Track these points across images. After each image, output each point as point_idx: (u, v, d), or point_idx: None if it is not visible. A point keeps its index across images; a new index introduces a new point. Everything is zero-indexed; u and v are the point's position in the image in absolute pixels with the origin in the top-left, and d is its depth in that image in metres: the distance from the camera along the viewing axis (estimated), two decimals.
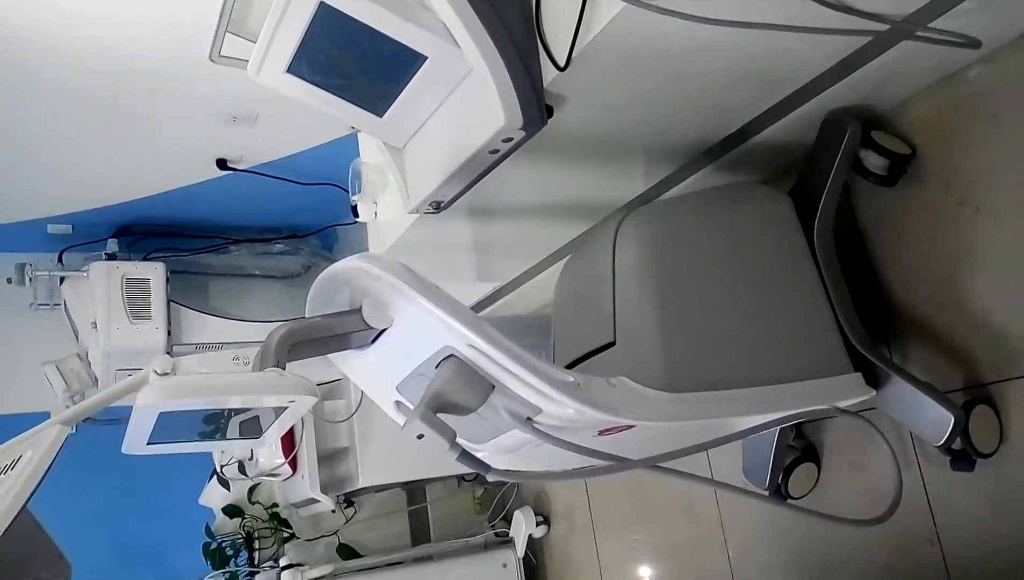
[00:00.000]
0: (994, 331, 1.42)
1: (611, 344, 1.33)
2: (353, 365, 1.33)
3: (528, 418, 1.20)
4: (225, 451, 2.63)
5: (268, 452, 2.61)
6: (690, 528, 2.18)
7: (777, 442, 1.66)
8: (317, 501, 2.64)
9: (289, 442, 2.62)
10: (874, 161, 1.54)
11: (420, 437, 1.11)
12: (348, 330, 1.18)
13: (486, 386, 1.16)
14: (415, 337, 1.19)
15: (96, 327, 2.89)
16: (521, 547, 2.74)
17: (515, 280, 2.30)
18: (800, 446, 1.78)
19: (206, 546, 3.02)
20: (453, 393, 1.15)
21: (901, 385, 1.40)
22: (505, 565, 2.73)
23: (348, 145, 2.75)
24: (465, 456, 1.14)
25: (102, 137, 2.62)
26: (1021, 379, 1.39)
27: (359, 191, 1.99)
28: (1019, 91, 1.38)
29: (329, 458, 2.70)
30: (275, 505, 3.00)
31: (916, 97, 1.54)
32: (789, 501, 1.58)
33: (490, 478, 1.15)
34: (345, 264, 1.12)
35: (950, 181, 1.48)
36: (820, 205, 1.49)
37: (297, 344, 1.13)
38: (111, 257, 3.01)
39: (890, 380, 1.42)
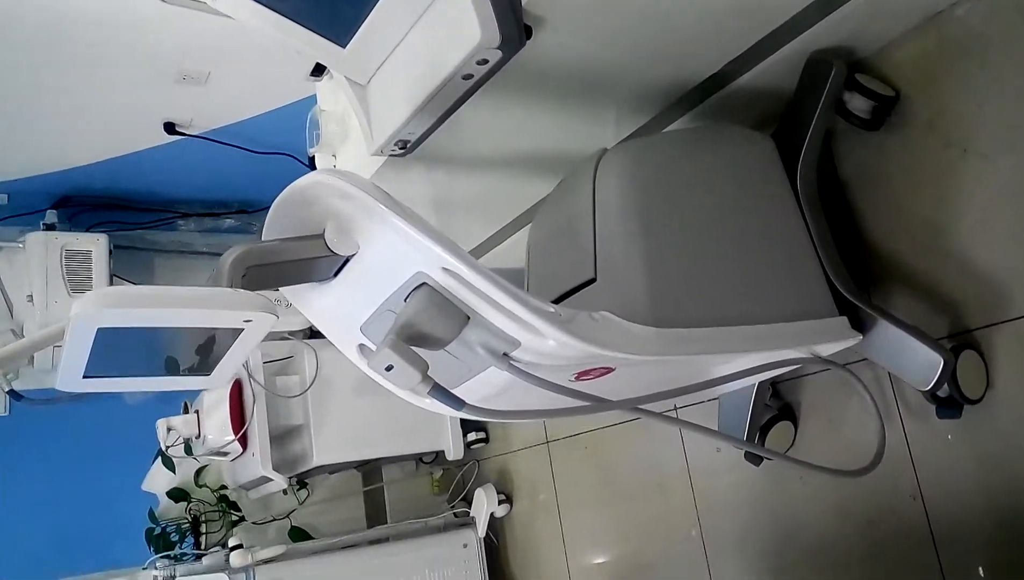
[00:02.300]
0: (980, 275, 1.38)
1: (592, 281, 1.26)
2: (312, 304, 1.24)
3: (504, 354, 1.11)
4: (171, 428, 2.49)
5: (217, 428, 2.48)
6: (660, 500, 2.12)
7: (755, 399, 1.60)
8: (268, 481, 2.52)
9: (239, 417, 2.49)
10: (858, 104, 1.49)
11: (389, 369, 1.01)
12: (309, 256, 1.09)
13: (461, 317, 1.07)
14: (383, 266, 1.10)
15: (32, 301, 2.74)
16: (482, 526, 2.65)
17: (484, 244, 2.21)
18: (776, 405, 1.73)
19: (149, 531, 2.86)
20: (425, 323, 1.06)
21: (888, 329, 1.36)
22: (466, 545, 2.63)
23: (304, 109, 2.64)
24: (437, 390, 1.05)
25: (37, 96, 2.46)
26: (1008, 323, 1.36)
27: (317, 142, 1.88)
28: (1009, 27, 1.35)
29: (281, 437, 2.58)
30: (223, 487, 2.86)
31: (901, 38, 1.50)
32: (771, 451, 1.52)
33: (463, 414, 1.07)
34: (310, 179, 1.03)
35: (936, 123, 1.44)
36: (804, 147, 1.44)
37: (252, 269, 1.03)
38: (50, 228, 2.85)
39: (876, 325, 1.37)
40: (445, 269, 1.03)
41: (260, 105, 2.68)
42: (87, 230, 2.97)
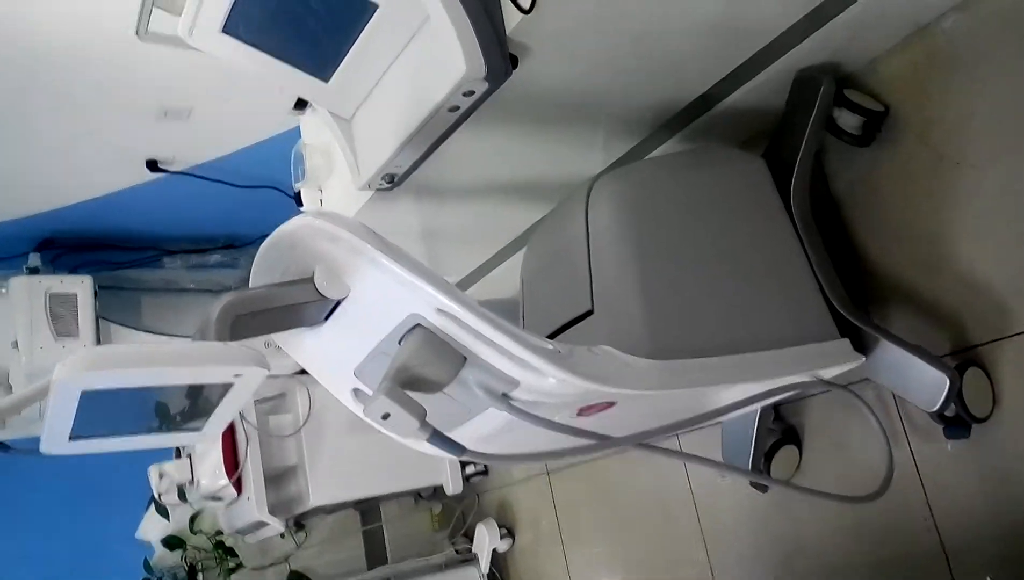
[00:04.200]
0: (981, 289, 1.36)
1: (589, 313, 1.23)
2: (304, 348, 1.20)
3: (504, 394, 1.08)
4: (164, 474, 2.44)
5: (210, 473, 2.43)
6: (665, 529, 2.08)
7: (758, 425, 1.57)
8: (265, 525, 2.47)
9: (232, 461, 2.44)
10: (848, 120, 1.47)
11: (385, 417, 0.98)
12: (299, 301, 1.05)
13: (457, 358, 1.04)
14: (375, 308, 1.07)
15: (17, 347, 2.68)
16: (485, 563, 2.60)
17: (474, 272, 2.19)
18: (780, 428, 1.70)
19: None
20: (421, 366, 1.02)
21: (890, 350, 1.33)
22: None
23: (289, 141, 2.61)
24: (437, 436, 1.01)
25: (17, 136, 2.42)
26: (1012, 338, 1.33)
27: (302, 177, 1.85)
28: (996, 37, 1.34)
29: (276, 478, 2.53)
30: (219, 533, 2.79)
31: (888, 53, 1.48)
32: (779, 480, 1.49)
33: (463, 459, 1.03)
34: (296, 223, 1.00)
35: (927, 137, 1.43)
36: (796, 166, 1.42)
37: (241, 317, 1.00)
38: (33, 271, 2.80)
39: (878, 345, 1.34)
40: (439, 310, 0.99)
41: (244, 139, 2.65)
42: (71, 271, 2.92)
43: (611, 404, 1.23)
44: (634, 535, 2.19)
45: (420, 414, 0.98)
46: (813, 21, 1.39)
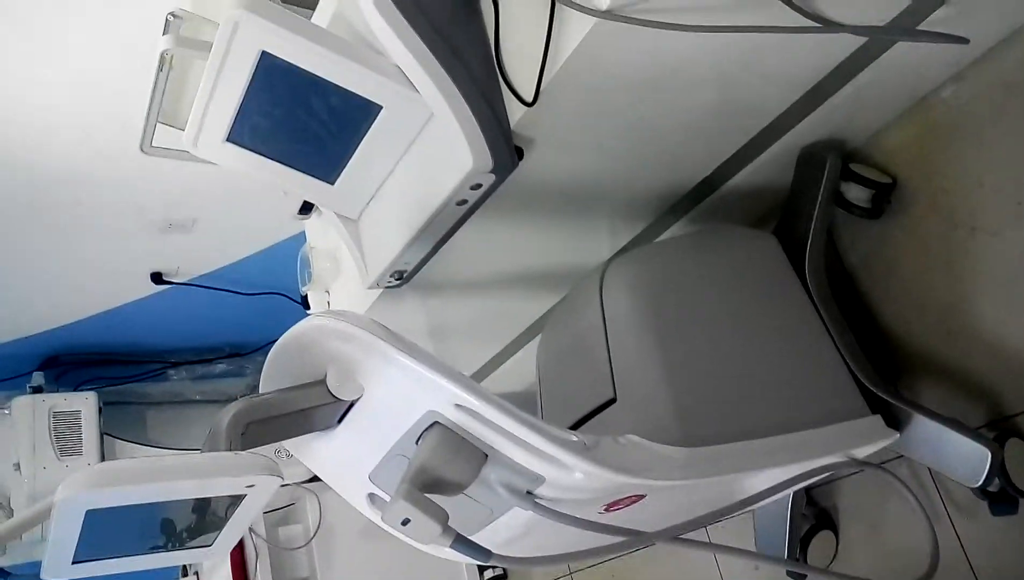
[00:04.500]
0: (1011, 356, 1.32)
1: (612, 401, 1.19)
2: (316, 454, 1.16)
3: (528, 491, 1.03)
4: None
5: None
6: None
7: (791, 510, 1.51)
8: None
9: (242, 577, 2.34)
10: (857, 193, 1.47)
11: (405, 523, 0.93)
12: (312, 405, 1.02)
13: (478, 456, 1.00)
14: (391, 408, 1.03)
15: (19, 469, 2.62)
16: None
17: (486, 366, 2.15)
18: (813, 513, 1.62)
19: None
20: (440, 467, 0.98)
21: (924, 424, 1.28)
22: None
23: (293, 247, 2.62)
24: (460, 541, 0.96)
25: (21, 259, 2.43)
26: None
27: (309, 281, 1.84)
28: (997, 102, 1.34)
29: None
30: None
31: (889, 126, 1.49)
32: (818, 567, 1.41)
33: (492, 563, 0.97)
34: (308, 324, 0.97)
35: (938, 205, 1.42)
36: (808, 242, 1.40)
37: (252, 425, 0.96)
38: (36, 390, 2.77)
39: (911, 420, 1.29)
40: (458, 405, 0.96)
41: (248, 247, 2.66)
42: (75, 389, 2.89)
43: (640, 497, 1.18)
44: None
45: (442, 518, 0.93)
46: (811, 100, 1.39)
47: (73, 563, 0.91)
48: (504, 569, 2.71)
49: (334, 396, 1.02)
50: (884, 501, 1.53)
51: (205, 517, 0.95)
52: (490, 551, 0.97)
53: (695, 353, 1.21)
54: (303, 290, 1.85)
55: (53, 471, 2.55)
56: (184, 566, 2.52)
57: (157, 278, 2.65)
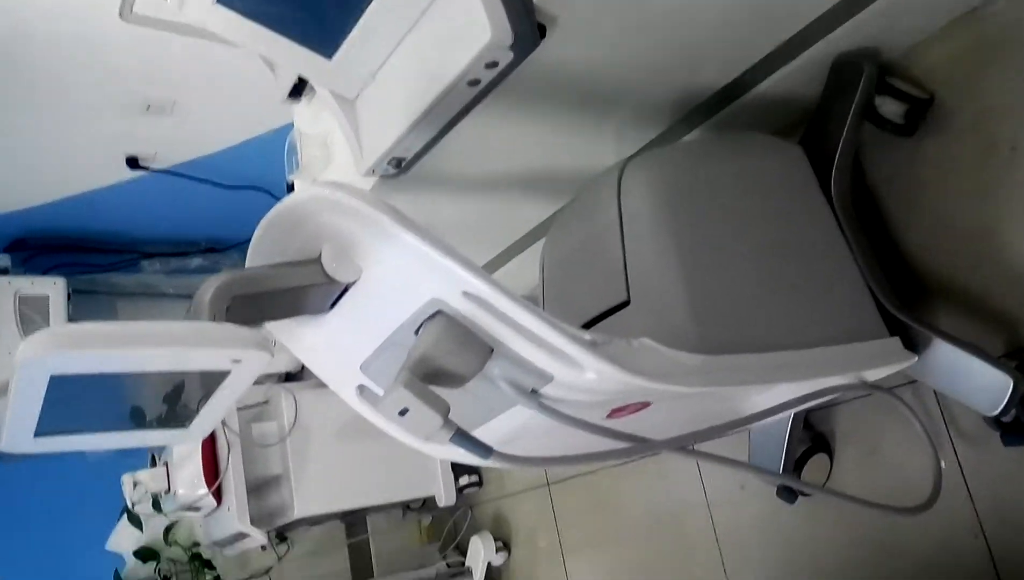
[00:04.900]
0: None
1: (625, 303, 1.12)
2: (304, 340, 1.08)
3: (533, 390, 0.96)
4: (138, 483, 2.29)
5: (189, 482, 2.28)
6: (677, 542, 1.96)
7: (790, 432, 1.47)
8: (246, 536, 2.32)
9: (213, 470, 2.30)
10: (891, 108, 1.38)
11: (403, 413, 0.86)
12: (303, 283, 0.93)
13: (483, 349, 0.93)
14: (390, 293, 0.95)
15: None
16: (479, 577, 2.46)
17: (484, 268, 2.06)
18: (808, 436, 1.59)
19: None
20: (443, 357, 0.91)
21: (944, 350, 1.23)
22: None
23: (277, 140, 2.49)
24: (461, 436, 0.90)
25: None
26: None
27: (296, 168, 1.73)
28: None
29: (259, 488, 2.39)
30: (196, 544, 2.64)
31: (931, 39, 1.39)
32: (824, 487, 1.38)
33: (490, 463, 0.91)
34: (304, 195, 0.88)
35: (978, 124, 1.34)
36: (836, 155, 1.32)
37: (238, 299, 0.87)
38: (2, 272, 2.65)
39: (930, 345, 1.24)
40: (466, 293, 0.88)
41: (230, 136, 2.52)
42: (44, 274, 2.77)
43: (645, 405, 1.12)
44: (642, 550, 2.07)
45: (444, 410, 0.86)
46: (852, 5, 1.29)
47: (36, 435, 0.83)
48: (479, 477, 2.69)
49: (329, 277, 0.93)
50: (884, 427, 1.50)
51: (175, 408, 0.87)
52: (491, 448, 0.91)
53: (715, 260, 1.14)
54: (290, 178, 1.74)
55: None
56: (152, 456, 2.47)
57: (133, 163, 2.51)
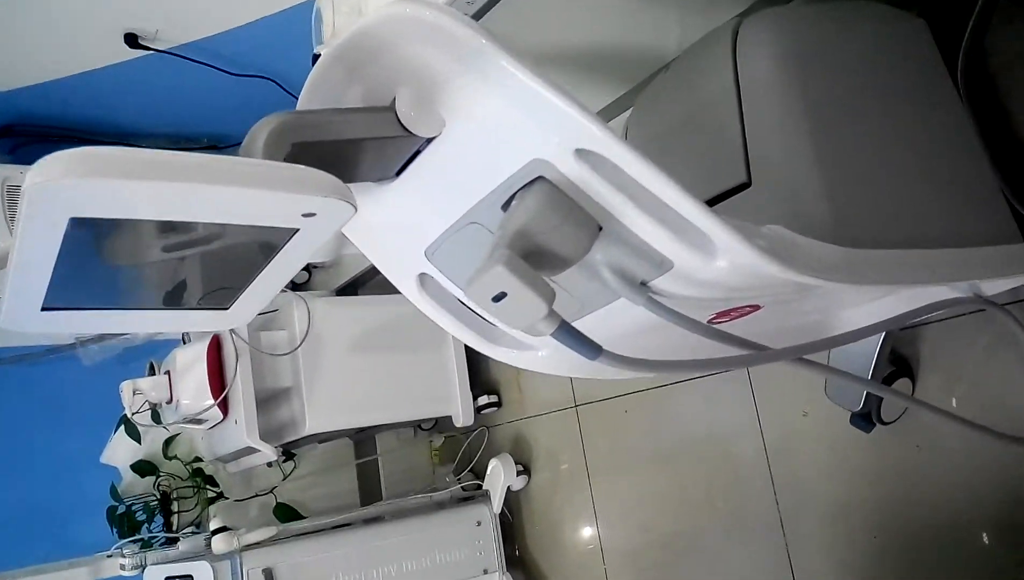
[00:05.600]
0: None
1: (744, 185, 0.94)
2: (359, 216, 0.90)
3: (643, 282, 0.80)
4: (137, 391, 2.13)
5: (193, 392, 2.12)
6: (720, 472, 1.83)
7: (879, 352, 1.32)
8: (250, 453, 2.18)
9: (219, 380, 2.14)
10: None
11: (499, 298, 0.69)
12: (374, 135, 0.75)
13: (591, 226, 0.75)
14: (477, 155, 0.77)
15: None
16: (498, 501, 2.34)
17: None
18: (888, 359, 1.44)
19: (111, 511, 2.48)
20: (545, 233, 0.73)
21: None
22: (479, 523, 2.32)
23: (290, 22, 2.25)
24: (566, 330, 0.73)
25: None
26: None
27: (323, 40, 1.53)
28: None
29: (267, 401, 2.23)
30: (197, 459, 2.50)
31: None
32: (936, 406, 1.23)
33: (599, 362, 0.74)
34: (389, 12, 0.68)
35: None
36: (967, 32, 1.14)
37: (299, 147, 0.69)
38: None
39: None
40: (580, 151, 0.70)
41: (239, 14, 2.27)
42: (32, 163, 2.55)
43: (753, 310, 0.96)
44: (679, 476, 1.94)
45: (549, 296, 0.69)
46: None
47: (43, 309, 0.66)
48: (499, 397, 2.55)
49: (405, 128, 0.75)
50: (980, 352, 1.35)
51: (228, 264, 0.70)
52: (600, 347, 0.75)
53: (846, 139, 0.96)
54: (317, 50, 1.53)
55: (6, 244, 2.27)
56: (151, 363, 2.30)
57: (132, 40, 2.26)
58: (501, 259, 0.68)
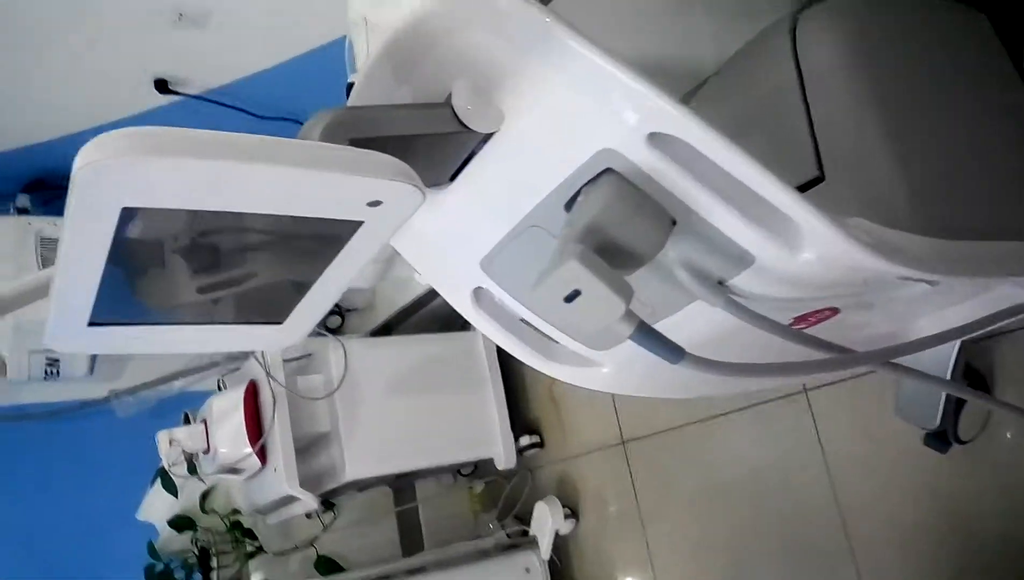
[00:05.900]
0: None
1: (818, 180, 0.89)
2: (409, 226, 0.86)
3: (721, 281, 0.74)
4: (174, 441, 2.08)
5: (231, 440, 2.07)
6: (784, 506, 1.73)
7: (954, 362, 1.24)
8: (293, 501, 2.12)
9: (256, 427, 2.09)
10: None
11: (571, 298, 0.64)
12: (431, 131, 0.70)
13: (664, 220, 0.70)
14: (539, 151, 0.72)
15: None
16: (547, 546, 2.25)
17: None
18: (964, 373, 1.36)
19: (149, 569, 2.41)
20: (616, 227, 0.68)
21: None
22: (528, 570, 2.23)
23: (322, 61, 2.25)
24: (645, 332, 0.68)
25: (8, 51, 2.06)
26: None
27: (356, 68, 1.52)
28: None
29: (304, 448, 2.17)
30: (235, 512, 2.43)
31: None
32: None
33: (683, 365, 0.68)
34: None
35: None
36: None
37: (356, 144, 0.65)
38: (22, 212, 2.44)
39: None
40: (655, 136, 0.65)
41: (266, 57, 2.29)
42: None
43: (833, 313, 0.90)
44: (740, 515, 1.85)
45: (628, 293, 0.64)
46: None
47: (91, 324, 0.61)
48: (541, 438, 2.48)
49: (462, 123, 0.71)
50: None
51: (277, 280, 0.65)
52: (683, 350, 0.69)
53: (919, 131, 0.91)
54: (351, 79, 1.52)
55: (41, 303, 2.26)
56: (186, 414, 2.26)
57: (162, 86, 2.28)
58: (574, 253, 0.63)
